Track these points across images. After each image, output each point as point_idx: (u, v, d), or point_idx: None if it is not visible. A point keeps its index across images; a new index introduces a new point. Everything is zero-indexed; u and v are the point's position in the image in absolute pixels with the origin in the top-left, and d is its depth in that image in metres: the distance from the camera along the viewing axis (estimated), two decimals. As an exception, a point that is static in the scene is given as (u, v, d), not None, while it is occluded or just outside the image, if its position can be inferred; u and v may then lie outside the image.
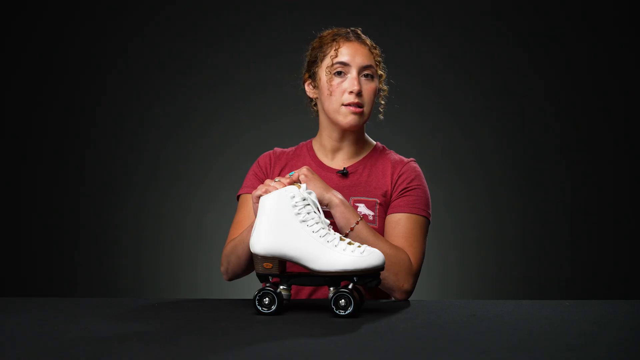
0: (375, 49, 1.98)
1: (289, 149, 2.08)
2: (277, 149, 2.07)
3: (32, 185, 3.70)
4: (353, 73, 1.92)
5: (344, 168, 1.99)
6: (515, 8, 3.73)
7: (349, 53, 1.93)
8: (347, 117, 1.93)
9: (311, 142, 2.07)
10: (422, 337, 1.40)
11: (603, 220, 3.67)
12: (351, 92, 1.91)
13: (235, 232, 1.96)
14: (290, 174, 1.81)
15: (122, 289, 3.69)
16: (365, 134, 2.04)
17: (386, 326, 1.49)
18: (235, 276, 1.96)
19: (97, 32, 3.73)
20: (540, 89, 3.74)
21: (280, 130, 3.43)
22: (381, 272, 1.80)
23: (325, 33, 2.00)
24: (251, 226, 1.79)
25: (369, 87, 1.94)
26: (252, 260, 1.87)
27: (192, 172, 3.74)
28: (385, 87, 2.00)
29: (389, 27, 3.64)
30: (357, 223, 1.82)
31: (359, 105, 1.92)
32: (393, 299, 1.93)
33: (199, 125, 3.74)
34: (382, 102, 2.02)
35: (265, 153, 2.07)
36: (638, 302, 1.86)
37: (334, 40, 1.96)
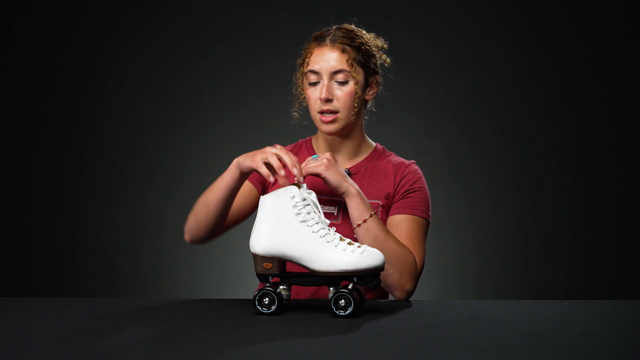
0: (354, 48, 1.91)
1: (288, 146, 2.08)
2: (278, 146, 2.06)
3: (32, 184, 3.70)
4: (324, 80, 1.91)
5: (346, 169, 1.99)
6: (515, 8, 3.73)
7: (318, 60, 1.91)
8: (322, 126, 1.94)
9: (310, 140, 2.07)
10: (422, 337, 1.40)
11: (603, 220, 3.67)
12: (320, 99, 1.91)
13: None
14: (315, 156, 1.83)
15: (122, 289, 3.69)
16: (365, 135, 2.04)
17: (386, 326, 1.49)
18: (197, 235, 1.92)
19: (96, 32, 3.73)
20: (540, 89, 3.74)
21: (281, 129, 3.43)
22: (386, 269, 1.81)
23: (313, 36, 1.98)
24: (222, 174, 1.81)
25: (342, 92, 1.91)
26: (221, 220, 1.87)
27: (192, 172, 3.74)
28: (359, 92, 1.92)
29: (389, 26, 3.63)
30: (371, 216, 1.83)
31: (331, 112, 1.91)
32: (392, 298, 1.93)
33: (198, 125, 3.74)
34: (356, 105, 1.92)
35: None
36: (638, 302, 1.86)
37: (309, 46, 1.95)
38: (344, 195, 1.83)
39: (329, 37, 1.93)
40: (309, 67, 1.92)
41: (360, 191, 1.85)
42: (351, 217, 1.84)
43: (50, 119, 3.71)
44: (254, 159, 1.71)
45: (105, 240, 3.72)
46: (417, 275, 1.88)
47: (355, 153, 2.01)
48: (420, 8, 3.74)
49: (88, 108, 3.73)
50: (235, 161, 1.78)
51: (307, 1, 3.71)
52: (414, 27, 3.72)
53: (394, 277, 1.84)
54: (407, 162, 2.03)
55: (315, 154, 2.02)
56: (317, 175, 1.82)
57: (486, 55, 3.74)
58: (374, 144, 2.05)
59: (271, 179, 1.67)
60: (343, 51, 1.91)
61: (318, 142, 2.03)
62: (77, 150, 3.71)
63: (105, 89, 3.74)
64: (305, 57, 1.95)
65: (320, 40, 1.94)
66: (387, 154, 2.05)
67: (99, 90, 3.73)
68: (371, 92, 1.99)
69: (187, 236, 1.95)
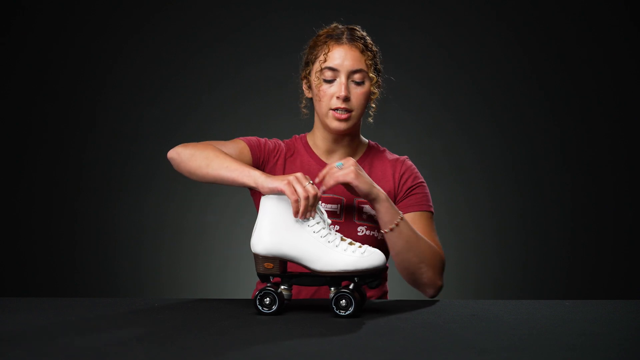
0: (369, 50, 1.94)
1: (284, 141, 2.06)
2: (281, 143, 2.05)
3: (32, 184, 3.69)
4: (342, 78, 1.90)
5: None
6: (515, 8, 3.73)
7: (338, 57, 1.91)
8: (333, 123, 1.93)
9: (305, 137, 2.06)
10: (422, 337, 1.40)
11: (603, 220, 3.67)
12: (338, 97, 1.90)
13: (219, 145, 1.89)
14: (339, 164, 1.79)
15: (122, 289, 3.69)
16: (359, 133, 2.05)
17: (386, 326, 1.49)
18: (179, 165, 1.84)
19: (96, 32, 3.73)
20: (540, 89, 3.74)
21: (281, 129, 3.43)
22: (420, 267, 1.83)
23: (321, 32, 1.97)
24: (242, 166, 1.74)
25: (358, 91, 1.91)
26: (207, 182, 1.81)
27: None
28: (376, 91, 1.96)
29: (389, 26, 3.63)
30: (401, 219, 1.83)
31: (346, 110, 1.91)
32: (392, 297, 1.93)
33: (198, 125, 3.74)
34: (373, 105, 1.99)
35: (276, 140, 2.03)
36: (638, 302, 1.86)
37: (325, 42, 1.93)
38: (373, 202, 1.81)
39: (345, 36, 1.93)
40: (327, 64, 1.91)
41: (388, 196, 1.84)
42: (382, 222, 1.83)
43: (50, 119, 3.71)
44: (282, 184, 1.61)
45: (105, 240, 3.72)
46: (443, 271, 1.92)
47: (353, 151, 2.02)
48: (420, 8, 3.74)
49: (88, 108, 3.73)
50: (255, 175, 1.69)
51: (307, 1, 3.71)
52: (414, 27, 3.72)
53: (428, 275, 1.86)
54: (401, 158, 2.05)
55: (312, 151, 2.02)
56: (347, 183, 1.78)
57: (486, 55, 3.74)
58: (367, 140, 2.06)
59: (293, 198, 1.60)
60: (362, 51, 1.92)
61: (315, 140, 2.02)
62: (77, 150, 3.71)
63: (105, 89, 3.74)
64: (321, 53, 1.93)
65: (337, 38, 1.93)
66: (381, 149, 2.06)
67: (99, 90, 3.73)
68: (375, 94, 2.00)
69: (172, 155, 1.86)
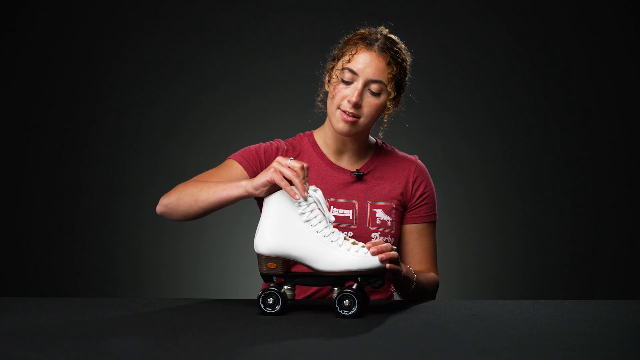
0: (396, 64, 1.88)
1: (287, 140, 2.02)
2: (281, 142, 2.01)
3: (32, 184, 3.70)
4: (358, 84, 1.86)
5: (357, 170, 1.97)
6: (515, 8, 3.73)
7: (361, 62, 1.86)
8: (338, 123, 1.89)
9: (313, 136, 2.02)
10: (422, 337, 1.40)
11: (603, 220, 3.67)
12: (349, 101, 1.86)
13: (206, 177, 1.89)
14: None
15: (122, 289, 3.69)
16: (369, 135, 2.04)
17: (386, 326, 1.49)
18: (171, 214, 1.84)
19: (96, 32, 3.73)
20: (540, 89, 3.74)
21: (281, 129, 3.43)
22: (425, 295, 1.89)
23: (358, 31, 1.94)
24: (228, 183, 1.71)
25: (371, 101, 1.87)
26: (202, 216, 1.80)
27: (192, 171, 3.72)
28: (391, 107, 1.91)
29: (389, 26, 3.63)
30: (416, 279, 1.84)
31: (354, 115, 1.87)
32: (395, 297, 1.96)
33: (199, 125, 3.74)
34: (386, 121, 1.95)
35: (276, 141, 2.00)
36: (638, 302, 1.86)
37: (356, 43, 1.89)
38: (405, 281, 1.80)
39: (378, 44, 1.88)
40: (349, 65, 1.87)
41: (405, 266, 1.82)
42: (403, 288, 1.84)
43: (51, 119, 3.71)
44: (269, 174, 1.59)
45: (105, 240, 3.72)
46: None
47: (362, 152, 2.00)
48: (421, 8, 3.74)
49: (88, 108, 3.73)
50: (242, 183, 1.67)
51: (307, 1, 3.71)
52: (414, 27, 3.72)
53: (428, 298, 1.93)
54: (411, 158, 2.04)
55: (321, 151, 1.99)
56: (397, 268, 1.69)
57: (486, 55, 3.74)
58: (374, 139, 2.05)
59: (283, 183, 1.58)
60: (388, 64, 1.87)
61: (326, 140, 1.99)
62: (77, 150, 3.71)
63: (105, 89, 3.74)
64: (348, 52, 1.89)
65: (368, 43, 1.89)
66: (389, 148, 2.05)
67: (99, 90, 3.73)
68: (390, 110, 1.95)
69: (161, 209, 1.85)
